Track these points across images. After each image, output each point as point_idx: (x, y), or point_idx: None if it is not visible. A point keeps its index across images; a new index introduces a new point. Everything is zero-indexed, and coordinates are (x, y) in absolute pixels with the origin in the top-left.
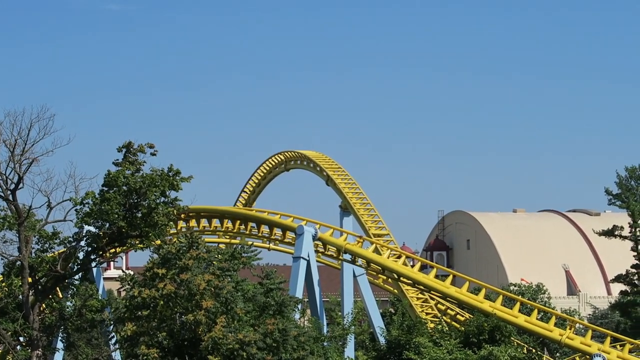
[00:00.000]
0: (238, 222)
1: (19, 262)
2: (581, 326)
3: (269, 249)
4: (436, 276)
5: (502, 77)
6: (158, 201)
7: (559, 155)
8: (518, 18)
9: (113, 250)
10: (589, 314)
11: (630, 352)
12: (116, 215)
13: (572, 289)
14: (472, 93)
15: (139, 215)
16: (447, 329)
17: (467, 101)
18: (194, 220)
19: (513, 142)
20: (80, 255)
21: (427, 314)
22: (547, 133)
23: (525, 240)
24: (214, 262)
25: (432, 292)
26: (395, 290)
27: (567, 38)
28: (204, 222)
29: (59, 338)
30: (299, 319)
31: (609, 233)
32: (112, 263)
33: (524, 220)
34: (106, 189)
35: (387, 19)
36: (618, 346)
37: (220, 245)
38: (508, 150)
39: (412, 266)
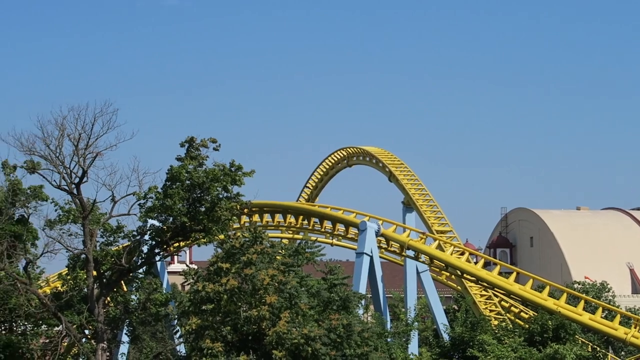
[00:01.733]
0: (301, 217)
1: (83, 256)
2: None
3: (331, 244)
4: (500, 273)
5: (566, 72)
6: (221, 196)
7: (624, 153)
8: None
9: (177, 244)
10: None
11: None
12: (179, 210)
13: (636, 287)
14: (536, 89)
15: (202, 210)
16: (511, 326)
17: (531, 98)
18: (257, 215)
19: (577, 139)
20: (145, 249)
21: (490, 311)
22: (611, 130)
23: (589, 238)
24: (278, 257)
25: (495, 289)
26: (459, 287)
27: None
28: (267, 217)
29: (124, 331)
30: (363, 314)
31: None
32: (175, 257)
33: (588, 218)
34: (169, 183)
35: (456, 14)
36: None
37: (284, 241)
38: (572, 147)
39: (476, 263)
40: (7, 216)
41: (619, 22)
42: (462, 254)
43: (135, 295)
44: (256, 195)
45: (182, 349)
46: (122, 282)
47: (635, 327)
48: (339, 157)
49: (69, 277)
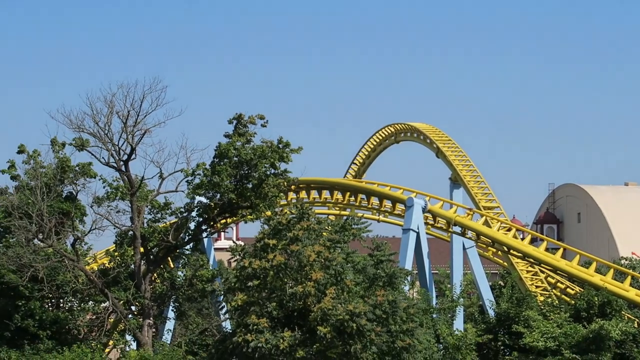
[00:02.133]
0: (348, 193)
1: (131, 232)
2: None
3: (378, 220)
4: (546, 249)
5: (613, 48)
6: (268, 173)
7: None
8: None
9: (223, 220)
10: None
11: None
12: (227, 187)
13: None
14: (582, 65)
15: (249, 186)
16: (557, 302)
17: (577, 74)
18: (304, 192)
19: (625, 114)
20: (192, 225)
21: (536, 287)
22: None
23: (637, 213)
24: (324, 234)
25: (542, 265)
26: (505, 263)
27: None
28: (314, 194)
29: (170, 307)
30: (408, 290)
31: None
32: (222, 234)
33: (636, 194)
34: (217, 160)
35: None
36: None
37: (330, 217)
38: (620, 122)
39: (522, 239)
40: (55, 193)
41: None
42: (509, 230)
43: (182, 272)
44: (303, 171)
45: (227, 325)
46: (169, 258)
47: None
48: (386, 134)
49: (116, 253)
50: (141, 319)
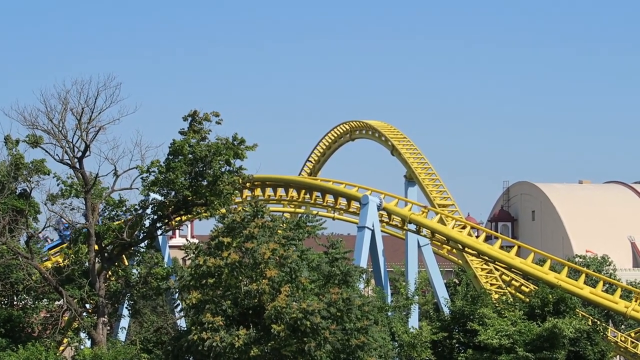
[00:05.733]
0: (303, 191)
1: (85, 230)
2: None
3: (333, 218)
4: (501, 247)
5: (567, 45)
6: (223, 170)
7: (626, 126)
8: None
9: (178, 218)
10: None
11: None
12: (181, 184)
13: (637, 261)
14: (538, 62)
15: (204, 183)
16: (511, 300)
17: (533, 70)
18: (259, 189)
19: (579, 112)
20: (146, 223)
21: (491, 284)
22: (613, 103)
23: (591, 211)
24: (279, 231)
25: (496, 263)
26: (460, 261)
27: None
28: (269, 191)
29: (125, 305)
30: (363, 288)
31: None
32: (177, 231)
33: (590, 192)
34: (172, 157)
35: None
36: None
37: (285, 215)
38: (574, 120)
39: (477, 237)
40: (9, 190)
41: None
42: (464, 227)
43: (137, 270)
44: (258, 169)
45: (182, 323)
46: (124, 256)
47: (635, 301)
48: (341, 131)
49: (70, 251)
50: (96, 317)
